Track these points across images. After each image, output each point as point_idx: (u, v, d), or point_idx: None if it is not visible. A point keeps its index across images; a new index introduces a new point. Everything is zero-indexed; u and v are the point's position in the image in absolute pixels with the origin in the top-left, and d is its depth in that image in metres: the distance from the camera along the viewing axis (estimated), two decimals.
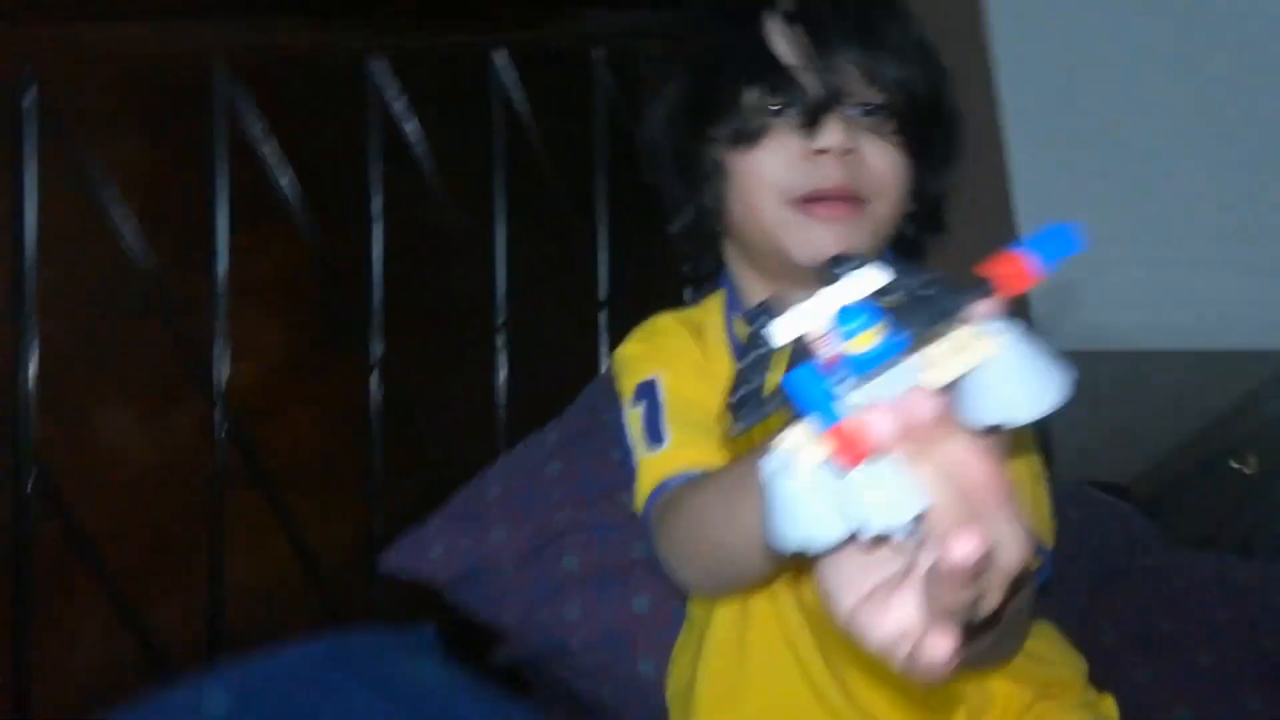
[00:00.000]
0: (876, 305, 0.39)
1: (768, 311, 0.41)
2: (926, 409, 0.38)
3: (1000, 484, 0.39)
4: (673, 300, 1.52)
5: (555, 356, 1.37)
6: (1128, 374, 2.03)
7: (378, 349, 1.19)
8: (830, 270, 0.40)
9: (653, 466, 0.77)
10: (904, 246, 0.85)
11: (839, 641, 0.78)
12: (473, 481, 1.17)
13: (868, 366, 0.38)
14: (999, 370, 0.39)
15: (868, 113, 0.77)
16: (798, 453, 0.39)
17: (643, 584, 1.07)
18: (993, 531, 0.38)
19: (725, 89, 0.78)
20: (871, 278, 0.39)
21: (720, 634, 0.83)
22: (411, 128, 1.23)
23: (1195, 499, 1.63)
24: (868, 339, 0.38)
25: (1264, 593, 1.17)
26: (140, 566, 1.00)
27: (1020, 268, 0.39)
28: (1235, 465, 1.70)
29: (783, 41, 0.77)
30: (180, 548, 1.04)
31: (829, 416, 0.38)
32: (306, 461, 1.13)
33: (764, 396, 0.41)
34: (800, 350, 0.40)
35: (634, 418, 0.81)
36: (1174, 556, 1.31)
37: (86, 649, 0.96)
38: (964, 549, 0.36)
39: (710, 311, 0.88)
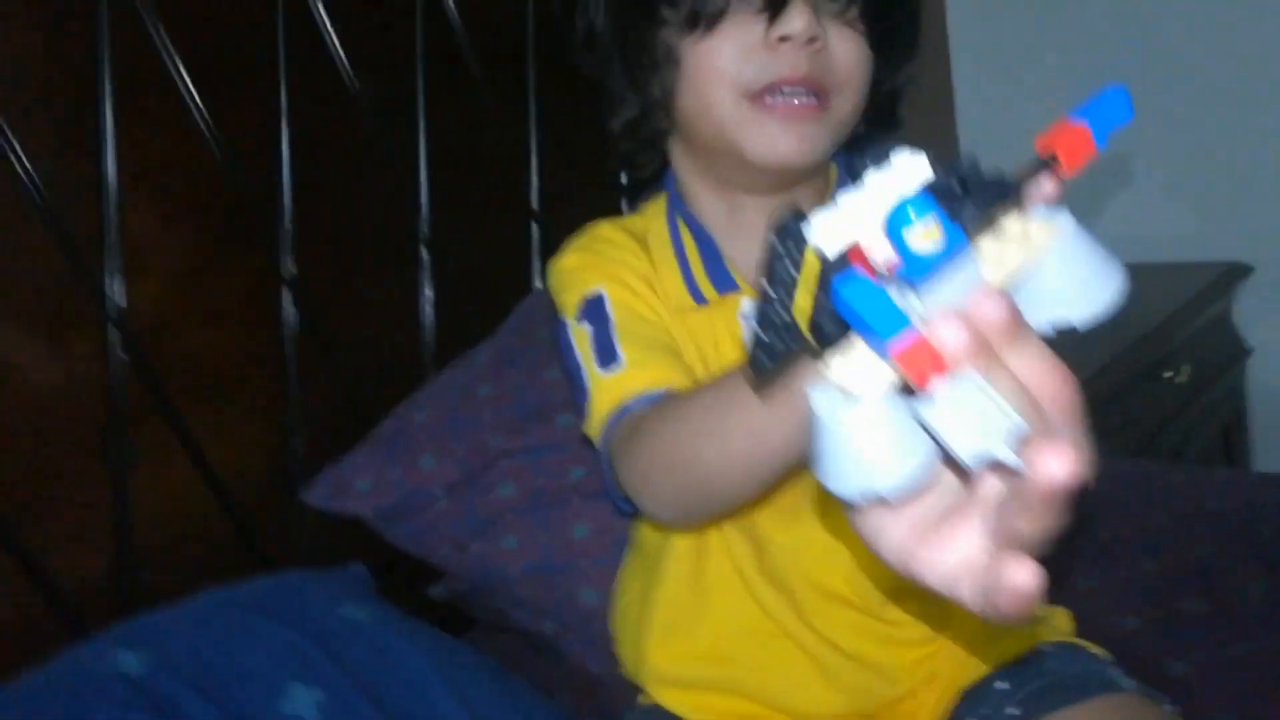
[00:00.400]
0: (929, 196, 0.33)
1: (795, 221, 0.34)
2: (998, 313, 0.32)
3: (1072, 390, 0.34)
4: (609, 212, 1.44)
5: (484, 272, 1.29)
6: None
7: (289, 263, 1.09)
8: (873, 161, 0.34)
9: (609, 388, 0.71)
10: (857, 144, 0.80)
11: (794, 571, 0.75)
12: (399, 408, 1.11)
13: (930, 269, 0.33)
14: (1061, 262, 0.34)
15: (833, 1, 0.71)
16: (861, 378, 0.33)
17: (581, 510, 1.03)
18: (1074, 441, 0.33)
19: None
20: (916, 167, 0.33)
21: (677, 564, 0.78)
22: (320, 16, 1.12)
23: (1131, 409, 1.64)
24: (928, 236, 0.32)
25: (1196, 498, 1.18)
26: (36, 508, 0.91)
27: (1082, 140, 0.34)
28: (1168, 375, 1.71)
29: None
30: (81, 485, 0.95)
31: (896, 326, 0.32)
32: (213, 386, 1.04)
33: (795, 327, 0.34)
34: (830, 264, 0.34)
35: (581, 335, 0.75)
36: (1109, 464, 1.31)
37: None
38: (1061, 467, 0.31)
39: (652, 218, 0.81)
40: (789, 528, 0.74)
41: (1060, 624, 0.85)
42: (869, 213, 0.33)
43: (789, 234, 0.35)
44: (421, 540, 1.04)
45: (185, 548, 1.01)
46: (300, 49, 1.10)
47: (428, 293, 1.22)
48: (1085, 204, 2.04)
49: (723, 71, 0.70)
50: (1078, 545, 1.13)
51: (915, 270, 0.33)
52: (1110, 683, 0.76)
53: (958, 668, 0.79)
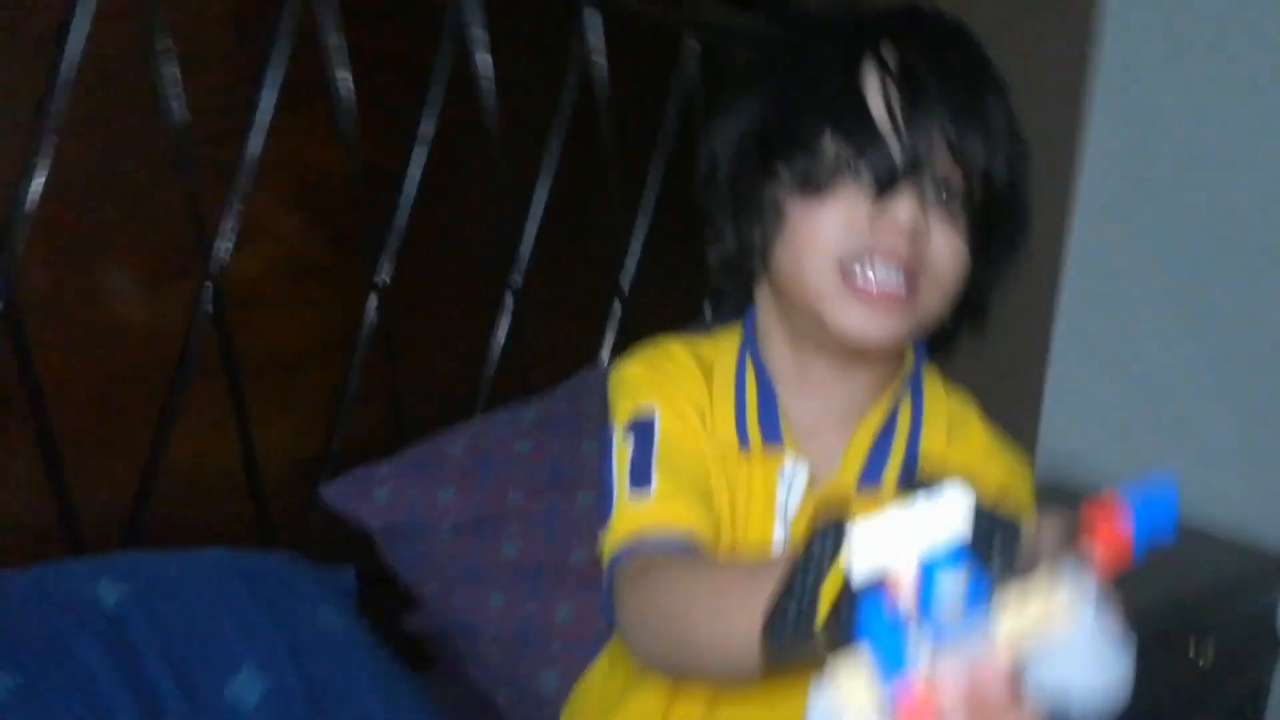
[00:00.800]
0: (962, 556, 0.35)
1: (838, 525, 0.37)
2: (998, 684, 0.34)
3: None
4: (691, 314, 1.48)
5: (559, 333, 1.33)
6: None
7: (386, 270, 1.14)
8: (911, 490, 0.36)
9: (631, 514, 0.72)
10: (940, 334, 0.81)
11: None
12: (439, 435, 1.14)
13: (949, 632, 0.35)
14: (1073, 647, 0.36)
15: (940, 190, 0.71)
16: (853, 705, 0.35)
17: (572, 592, 1.04)
18: None
19: (805, 126, 0.72)
20: (959, 503, 0.35)
21: (641, 692, 0.79)
22: (483, 59, 1.19)
23: (1143, 675, 1.59)
24: (952, 598, 0.35)
25: None
26: (81, 429, 0.96)
27: (1121, 549, 0.36)
28: (1191, 652, 1.66)
29: (875, 93, 0.70)
30: (128, 421, 1.00)
31: (897, 668, 0.34)
32: (281, 364, 1.09)
33: (814, 618, 0.37)
34: (855, 581, 0.36)
35: (622, 450, 0.75)
36: None
37: (3, 497, 0.92)
38: None
39: (723, 350, 0.82)
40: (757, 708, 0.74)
41: None
42: (908, 542, 0.35)
43: (830, 533, 0.37)
44: (415, 567, 1.07)
45: (202, 504, 1.05)
46: (453, 92, 1.17)
47: (500, 338, 1.26)
48: (1163, 453, 2.01)
49: (823, 238, 0.71)
50: None
51: (933, 627, 0.35)
52: None
53: None
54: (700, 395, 0.78)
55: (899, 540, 0.35)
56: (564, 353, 1.33)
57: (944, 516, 0.35)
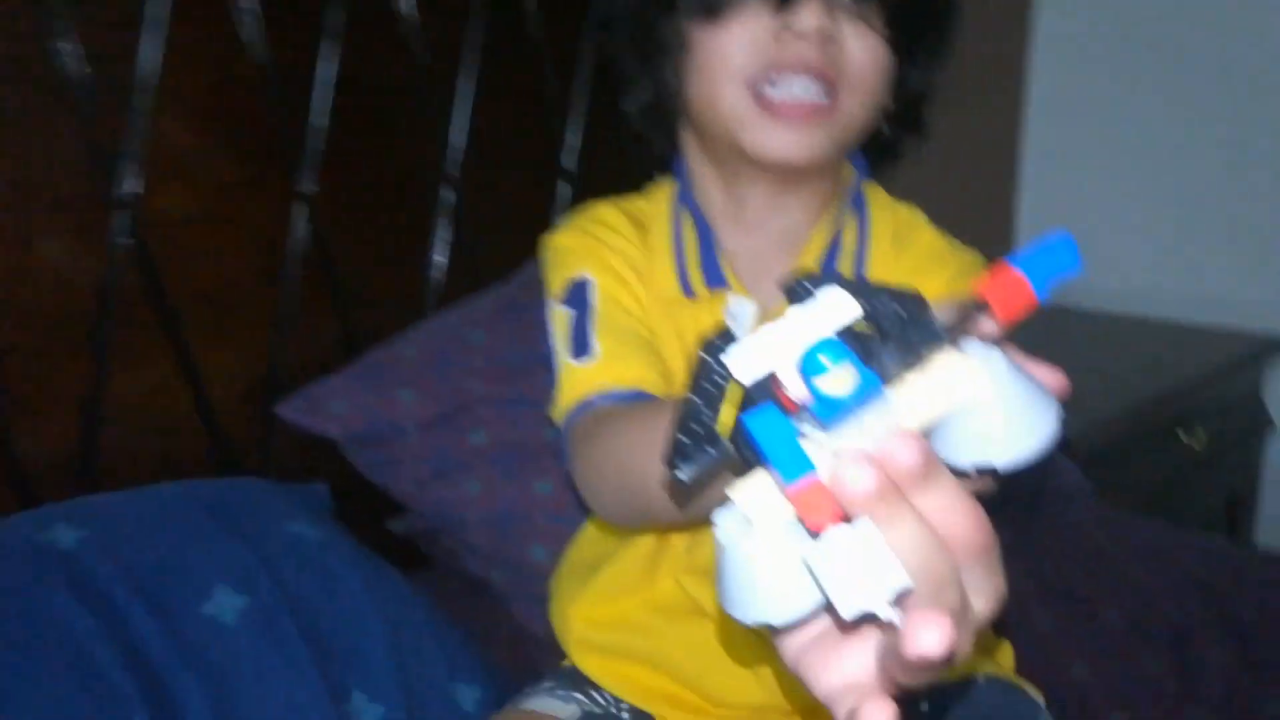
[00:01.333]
0: (846, 340, 0.33)
1: (724, 338, 0.35)
2: (909, 458, 0.32)
3: (984, 533, 0.34)
4: (641, 180, 1.42)
5: (506, 222, 1.28)
6: (1094, 333, 2.00)
7: (310, 182, 1.09)
8: (794, 290, 0.35)
9: (577, 379, 0.71)
10: (879, 147, 0.78)
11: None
12: (391, 340, 1.10)
13: (840, 411, 0.33)
14: (989, 404, 0.34)
15: None
16: (759, 511, 0.34)
17: (549, 467, 1.02)
18: (975, 585, 0.34)
19: None
20: (840, 303, 0.34)
21: (622, 542, 0.78)
22: None
23: (1138, 464, 1.60)
24: (840, 380, 0.33)
25: (1182, 559, 1.14)
26: (13, 380, 0.92)
27: (1019, 291, 0.34)
28: (1183, 438, 1.66)
29: None
30: (62, 363, 0.96)
31: (798, 470, 0.32)
32: (214, 289, 1.04)
33: (716, 438, 0.35)
34: (757, 385, 0.34)
35: (560, 319, 0.74)
36: (1102, 515, 1.28)
37: None
38: (930, 640, 0.31)
39: (657, 202, 0.80)
40: None
41: (1001, 659, 0.83)
42: (787, 347, 0.33)
43: (715, 352, 0.35)
44: (386, 471, 1.04)
45: (156, 444, 1.02)
46: None
47: (442, 234, 1.22)
48: (1131, 254, 2.00)
49: (729, 60, 0.69)
50: (1043, 586, 1.10)
51: (826, 412, 0.33)
52: None
53: None
54: (635, 252, 0.77)
55: (781, 344, 0.33)
56: (513, 242, 1.28)
57: (827, 313, 0.34)
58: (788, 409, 0.33)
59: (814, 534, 0.32)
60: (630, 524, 0.73)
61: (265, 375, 1.09)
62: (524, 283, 1.18)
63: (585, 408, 0.70)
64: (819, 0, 0.67)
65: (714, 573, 0.39)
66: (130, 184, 0.96)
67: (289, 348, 1.10)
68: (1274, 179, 1.89)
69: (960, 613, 0.34)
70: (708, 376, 0.36)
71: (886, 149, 0.77)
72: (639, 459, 0.61)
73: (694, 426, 0.35)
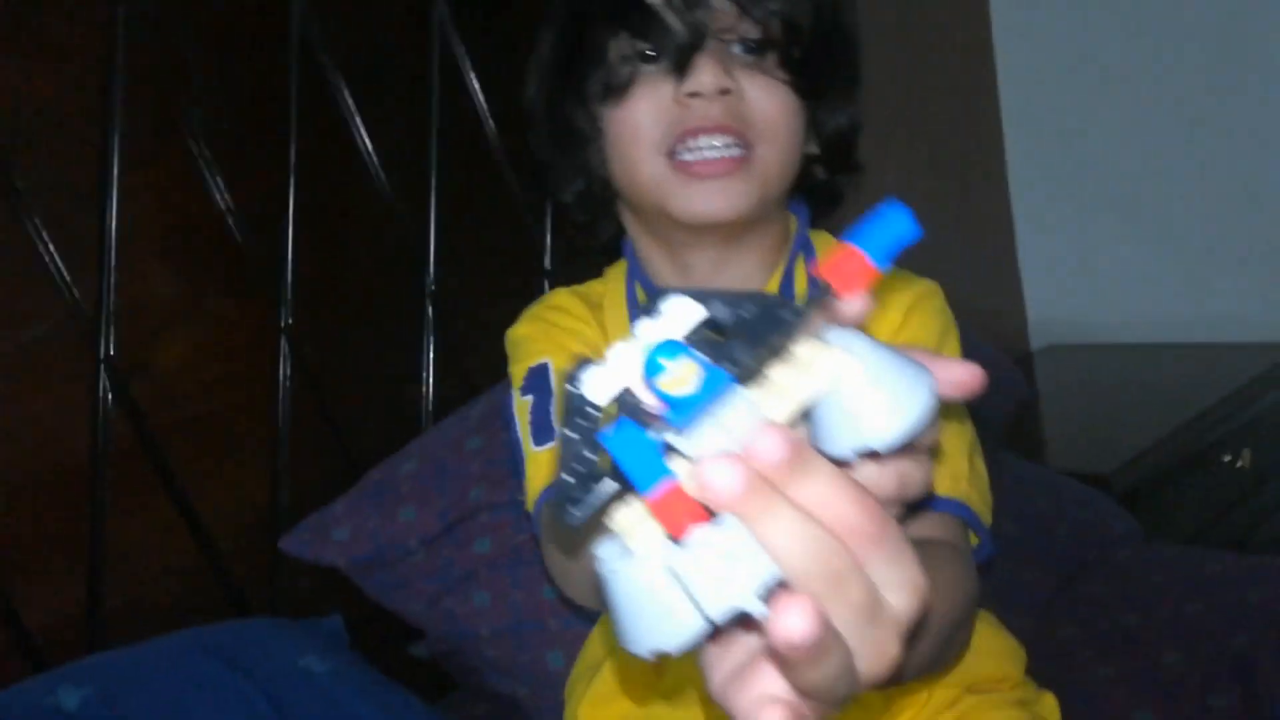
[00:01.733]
0: (694, 343, 0.33)
1: (580, 367, 0.34)
2: (773, 448, 0.31)
3: (875, 520, 0.33)
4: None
5: (491, 328, 1.28)
6: (1119, 367, 1.96)
7: (286, 314, 1.10)
8: (645, 308, 0.34)
9: (540, 465, 0.72)
10: (821, 193, 0.78)
11: None
12: (388, 459, 1.09)
13: (689, 410, 0.32)
14: (856, 387, 0.33)
15: (749, 50, 0.70)
16: (636, 535, 0.32)
17: None
18: (882, 578, 0.33)
19: (590, 39, 0.71)
20: (684, 310, 0.33)
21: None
22: (335, 64, 1.15)
23: (1183, 493, 1.54)
24: (681, 378, 0.32)
25: (1241, 586, 1.08)
26: (13, 547, 0.92)
27: (854, 264, 0.34)
28: (1227, 460, 1.60)
29: None
30: (60, 523, 0.95)
31: (652, 477, 0.31)
32: (207, 429, 1.04)
33: (598, 474, 0.33)
34: (625, 406, 0.33)
35: (522, 408, 0.75)
36: (1150, 550, 1.22)
37: None
38: (795, 624, 0.30)
39: (612, 282, 0.81)
40: None
41: (1044, 712, 0.78)
42: (634, 361, 0.33)
43: (575, 382, 0.34)
44: (394, 594, 1.02)
45: (163, 593, 1.01)
46: (314, 109, 1.13)
47: (430, 349, 1.22)
48: (1143, 283, 1.97)
49: (638, 132, 0.70)
50: (1095, 631, 1.04)
51: (677, 413, 0.32)
52: None
53: None
54: (591, 332, 0.77)
55: (628, 359, 0.33)
56: (502, 346, 1.28)
57: (672, 321, 0.33)
58: (648, 423, 0.32)
59: (678, 541, 0.31)
60: (600, 607, 0.70)
61: (267, 510, 1.08)
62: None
63: (548, 493, 0.69)
64: (713, 61, 0.68)
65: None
66: (112, 341, 0.97)
67: (289, 479, 1.09)
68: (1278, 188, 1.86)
69: (869, 608, 0.32)
70: (579, 411, 0.34)
71: (825, 194, 0.77)
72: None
73: (575, 466, 0.33)
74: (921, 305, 0.73)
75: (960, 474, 0.67)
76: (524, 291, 1.33)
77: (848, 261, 0.33)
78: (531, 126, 0.79)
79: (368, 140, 1.17)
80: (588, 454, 0.33)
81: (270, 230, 1.10)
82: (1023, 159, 2.09)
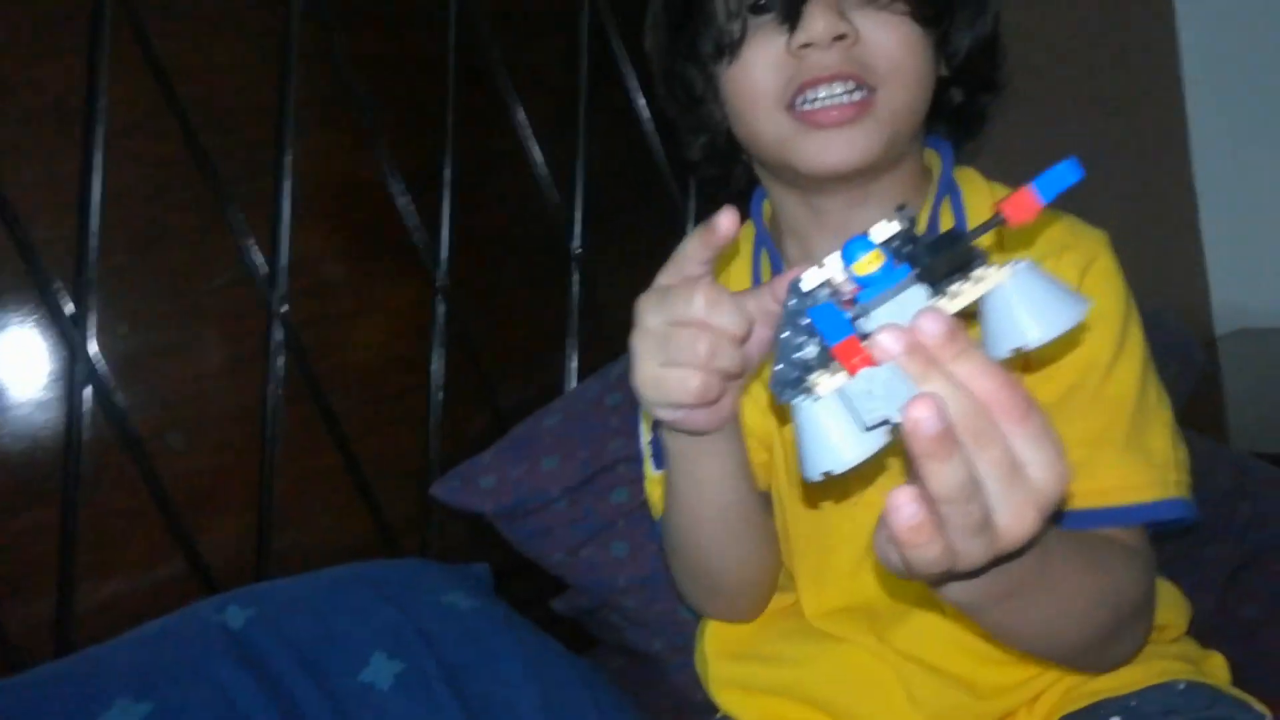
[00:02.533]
0: (867, 240, 0.44)
1: (799, 279, 0.45)
2: (934, 328, 0.41)
3: (1016, 399, 0.42)
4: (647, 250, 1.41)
5: (635, 291, 1.29)
6: None
7: (443, 274, 1.15)
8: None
9: (659, 486, 0.76)
10: (961, 118, 0.75)
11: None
12: (534, 414, 1.12)
13: (872, 286, 0.44)
14: (1009, 296, 0.42)
15: None
16: (818, 383, 0.44)
17: None
18: (1025, 455, 0.42)
19: None
20: (884, 228, 0.44)
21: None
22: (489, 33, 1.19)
23: None
24: (868, 263, 0.43)
25: None
26: (191, 483, 1.00)
27: (1027, 200, 0.43)
28: None
29: None
30: (234, 465, 1.03)
31: (839, 333, 0.42)
32: (368, 383, 1.10)
33: (807, 359, 0.45)
34: (833, 295, 0.45)
35: (647, 421, 0.78)
36: None
37: (131, 565, 0.96)
38: (917, 418, 0.40)
39: (740, 253, 0.80)
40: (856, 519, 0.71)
41: (1211, 670, 0.72)
42: (838, 262, 0.45)
43: (795, 285, 0.46)
44: (536, 542, 1.05)
45: (323, 533, 1.07)
46: (470, 79, 1.17)
47: (575, 311, 1.24)
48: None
49: (755, 90, 0.69)
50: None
51: (866, 290, 0.44)
52: None
53: (1066, 691, 0.69)
54: None
55: (835, 263, 0.45)
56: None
57: (874, 233, 0.44)
58: (844, 307, 0.44)
59: (852, 376, 0.42)
60: (715, 611, 0.80)
61: (421, 459, 1.12)
62: None
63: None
64: (824, 6, 0.66)
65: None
66: (280, 291, 1.04)
67: (441, 430, 1.13)
68: None
69: (1008, 468, 0.42)
70: (796, 312, 0.45)
71: (965, 117, 0.74)
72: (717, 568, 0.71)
73: (788, 357, 0.45)
74: (1095, 271, 0.69)
75: (1146, 473, 0.65)
76: (668, 246, 1.34)
77: (1023, 199, 0.43)
78: (660, 87, 0.79)
79: (521, 110, 1.21)
80: (800, 341, 0.44)
81: (428, 196, 1.15)
82: (1206, 134, 1.95)
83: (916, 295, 0.43)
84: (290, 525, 1.04)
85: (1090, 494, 0.64)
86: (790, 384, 0.44)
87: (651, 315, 0.58)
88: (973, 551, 0.43)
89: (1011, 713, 0.70)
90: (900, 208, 0.45)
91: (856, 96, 0.66)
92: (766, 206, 0.80)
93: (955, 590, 0.49)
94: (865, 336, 0.42)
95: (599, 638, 1.12)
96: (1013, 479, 0.41)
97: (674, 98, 0.77)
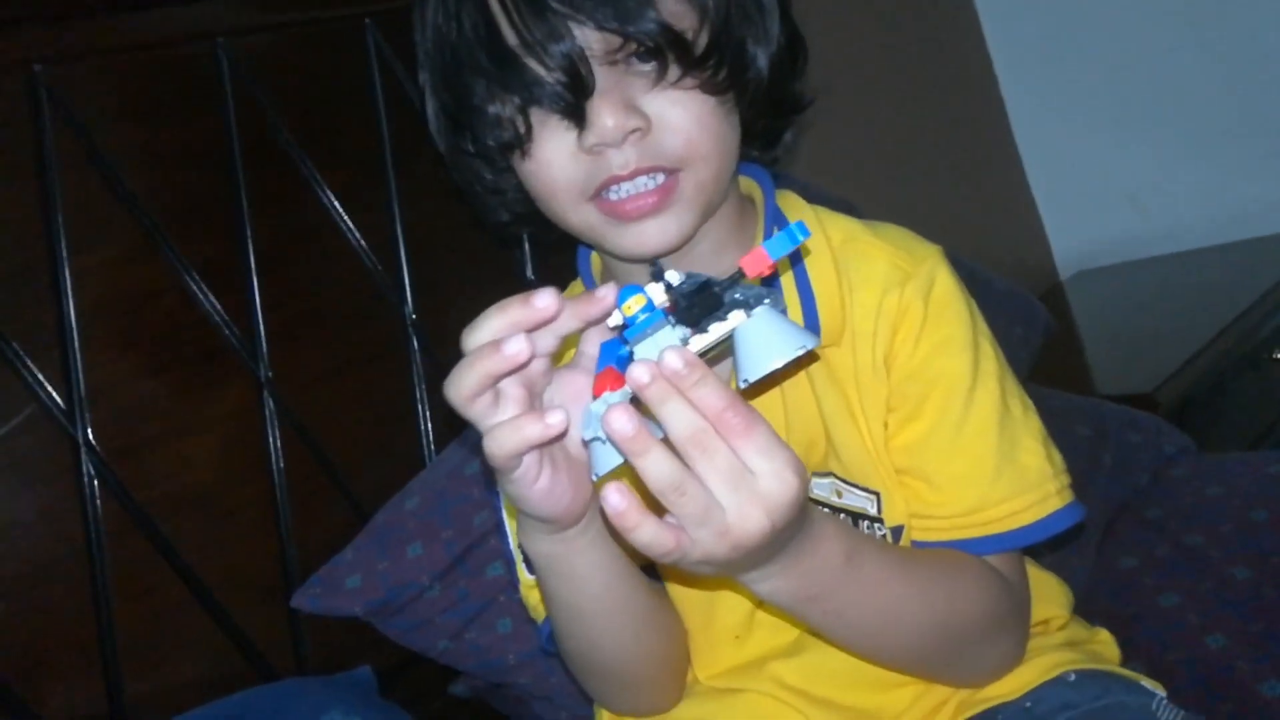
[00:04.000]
0: (636, 287, 0.54)
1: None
2: (674, 361, 0.50)
3: (740, 417, 0.50)
4: None
5: None
6: (1152, 282, 1.87)
7: (264, 369, 1.07)
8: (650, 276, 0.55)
9: (536, 594, 0.73)
10: (771, 139, 0.73)
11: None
12: (392, 499, 1.06)
13: (631, 325, 0.53)
14: (747, 338, 0.52)
15: (644, 58, 0.63)
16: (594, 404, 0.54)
17: None
18: (750, 461, 0.50)
19: (467, 96, 0.66)
20: (658, 289, 0.54)
21: None
22: (275, 106, 1.12)
23: (1236, 400, 1.46)
24: (631, 306, 0.53)
25: None
26: (18, 653, 0.90)
27: (761, 257, 0.53)
28: (1277, 356, 1.51)
29: (509, 29, 0.63)
30: (64, 622, 0.93)
31: (601, 366, 0.54)
32: (200, 504, 1.02)
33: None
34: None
35: (511, 514, 0.74)
36: (1206, 463, 1.14)
37: None
38: (613, 421, 0.50)
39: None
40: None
41: (1099, 649, 0.72)
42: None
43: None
44: (417, 635, 0.98)
45: (184, 672, 0.98)
46: (259, 159, 1.10)
47: (421, 381, 1.18)
48: (1164, 192, 1.89)
49: (554, 184, 0.66)
50: (1156, 558, 0.97)
51: (630, 329, 0.53)
52: (1143, 712, 0.63)
53: (961, 703, 0.69)
54: None
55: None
56: None
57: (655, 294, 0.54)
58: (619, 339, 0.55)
59: (595, 398, 0.54)
60: (620, 707, 0.77)
61: (279, 572, 1.04)
62: None
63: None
64: (610, 101, 0.62)
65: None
66: (88, 425, 0.95)
67: (295, 536, 1.06)
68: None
69: (734, 475, 0.50)
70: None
71: (775, 139, 0.72)
72: (622, 659, 0.70)
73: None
74: (935, 300, 0.68)
75: (1024, 495, 0.66)
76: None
77: (755, 255, 0.53)
78: (445, 159, 0.75)
79: (319, 177, 1.15)
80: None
81: (235, 292, 1.07)
82: (1019, 94, 2.02)
83: (670, 334, 0.52)
84: (144, 674, 0.95)
85: (972, 526, 0.65)
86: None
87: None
88: (703, 540, 0.50)
89: None
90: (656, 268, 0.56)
91: (661, 180, 0.64)
92: (595, 260, 0.77)
93: (761, 587, 0.56)
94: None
95: (507, 714, 1.06)
96: (737, 483, 0.50)
97: (469, 186, 0.74)
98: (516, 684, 0.97)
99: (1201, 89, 1.83)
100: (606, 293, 0.54)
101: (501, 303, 0.55)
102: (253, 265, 1.08)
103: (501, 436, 0.54)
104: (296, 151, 1.14)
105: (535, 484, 0.57)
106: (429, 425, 1.18)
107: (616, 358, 0.53)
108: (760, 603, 0.69)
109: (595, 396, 0.52)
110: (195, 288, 1.04)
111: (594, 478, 0.54)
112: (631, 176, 0.63)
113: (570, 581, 0.65)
